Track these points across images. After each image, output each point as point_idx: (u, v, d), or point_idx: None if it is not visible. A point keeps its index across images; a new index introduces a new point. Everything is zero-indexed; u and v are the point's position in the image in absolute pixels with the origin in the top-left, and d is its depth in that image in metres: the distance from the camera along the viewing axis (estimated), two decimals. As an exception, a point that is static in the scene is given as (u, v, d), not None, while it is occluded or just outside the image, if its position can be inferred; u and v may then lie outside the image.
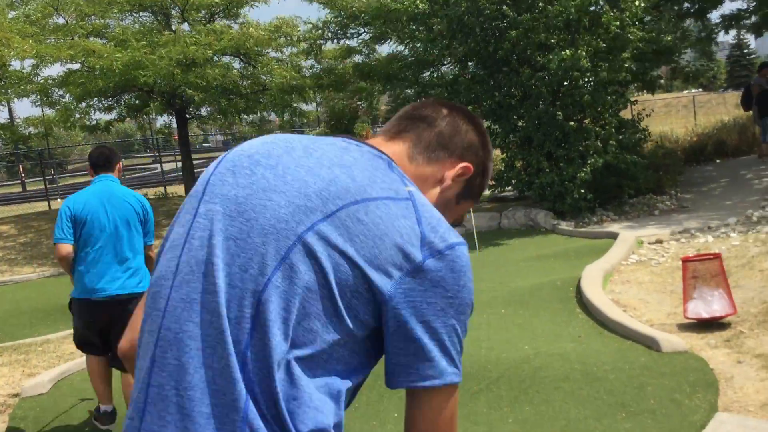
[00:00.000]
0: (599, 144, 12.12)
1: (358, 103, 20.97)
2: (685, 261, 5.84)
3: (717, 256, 5.75)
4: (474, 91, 13.44)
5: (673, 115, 23.88)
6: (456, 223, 1.54)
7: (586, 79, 12.07)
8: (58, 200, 23.71)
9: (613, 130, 12.41)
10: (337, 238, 1.21)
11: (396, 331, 1.23)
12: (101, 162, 4.84)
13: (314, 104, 23.84)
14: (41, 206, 23.40)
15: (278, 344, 1.17)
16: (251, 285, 1.19)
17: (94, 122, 18.30)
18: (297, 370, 1.18)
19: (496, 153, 16.03)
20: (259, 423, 1.15)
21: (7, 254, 14.73)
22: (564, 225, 11.86)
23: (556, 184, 12.11)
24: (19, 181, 42.33)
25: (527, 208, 13.23)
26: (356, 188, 1.26)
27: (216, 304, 1.19)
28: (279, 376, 1.17)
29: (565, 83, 12.27)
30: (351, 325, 1.22)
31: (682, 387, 4.50)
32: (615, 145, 12.13)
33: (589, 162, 11.88)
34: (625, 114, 14.05)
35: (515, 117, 13.06)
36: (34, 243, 15.47)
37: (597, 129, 12.40)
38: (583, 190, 11.85)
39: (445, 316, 1.24)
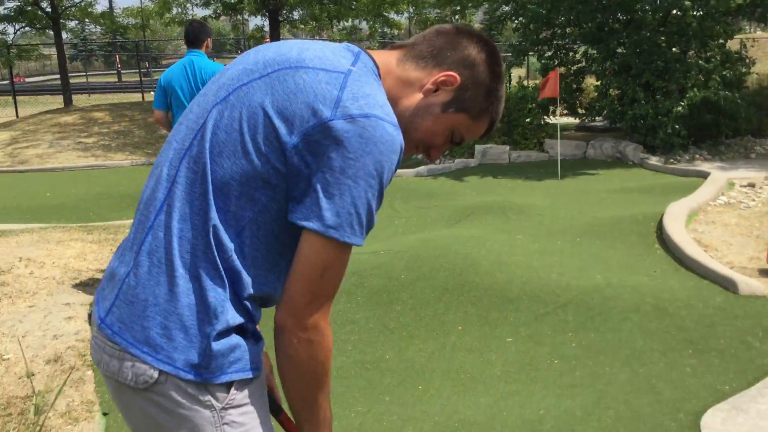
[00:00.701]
0: (701, 78, 11.53)
1: (452, 17, 20.42)
2: (778, 205, 5.59)
3: (813, 204, 5.48)
4: (576, 10, 12.88)
5: (786, 55, 22.37)
6: (437, 142, 1.58)
7: (697, 7, 11.39)
8: (151, 93, 24.35)
9: (718, 63, 11.76)
10: (260, 92, 1.41)
11: (297, 174, 1.36)
12: (190, 38, 5.63)
13: (406, 14, 23.39)
14: (135, 97, 24.15)
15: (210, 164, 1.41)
16: (202, 118, 1.46)
17: (189, 17, 18.53)
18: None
19: (591, 81, 15.49)
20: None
21: (101, 140, 15.36)
22: (653, 160, 11.47)
23: (650, 117, 11.65)
24: (115, 72, 43.61)
25: (616, 139, 12.83)
26: (296, 59, 1.44)
27: (191, 129, 1.48)
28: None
29: (674, 12, 11.62)
30: (259, 166, 1.37)
31: (755, 330, 4.40)
32: (717, 80, 11.51)
33: (687, 96, 11.35)
34: (733, 45, 13.23)
35: (615, 42, 12.51)
36: (126, 132, 16.05)
37: (701, 62, 11.77)
38: (677, 126, 11.37)
39: (342, 175, 1.33)
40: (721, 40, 12.06)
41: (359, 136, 1.33)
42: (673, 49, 11.57)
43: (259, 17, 20.36)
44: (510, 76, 16.53)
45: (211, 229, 1.38)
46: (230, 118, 1.41)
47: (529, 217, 7.86)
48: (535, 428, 3.47)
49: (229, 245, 1.39)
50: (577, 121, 16.21)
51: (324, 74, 1.40)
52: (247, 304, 1.43)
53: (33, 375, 4.10)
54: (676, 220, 6.90)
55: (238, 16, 19.78)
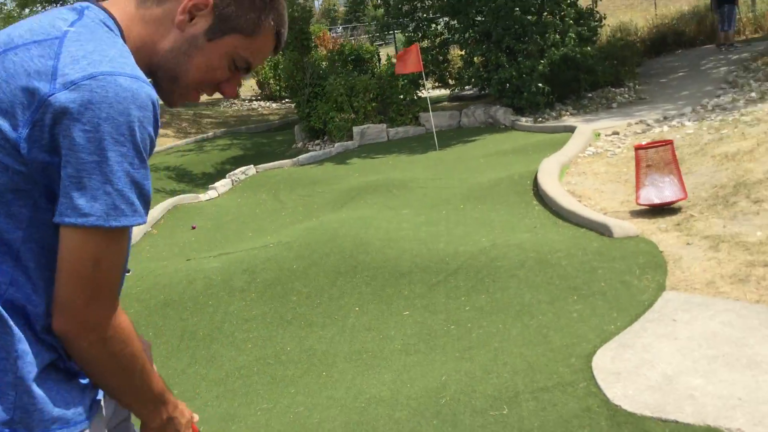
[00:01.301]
0: (557, 36, 12.00)
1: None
2: (638, 149, 5.91)
3: (669, 143, 5.83)
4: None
5: (635, 7, 23.63)
6: (219, 76, 1.39)
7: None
8: None
9: (571, 21, 12.27)
10: None
11: (45, 169, 1.17)
12: None
13: None
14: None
15: None
16: None
17: None
18: None
19: (456, 51, 15.83)
20: None
21: None
22: (523, 121, 11.87)
23: (514, 79, 12.03)
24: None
25: (487, 105, 13.19)
26: (4, 42, 1.22)
27: None
28: None
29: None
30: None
31: (632, 269, 4.65)
32: (573, 37, 12.03)
33: (546, 55, 11.79)
34: (584, 2, 13.84)
35: (474, 11, 12.81)
36: None
37: (556, 21, 12.25)
38: (540, 84, 11.81)
39: (85, 153, 1.14)
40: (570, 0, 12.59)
41: (89, 102, 1.13)
42: (529, 17, 11.98)
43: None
44: (379, 56, 16.67)
45: None
46: None
47: (412, 191, 7.98)
48: (439, 394, 3.53)
49: (3, 279, 1.18)
50: (449, 92, 16.55)
51: (36, 47, 1.18)
52: (46, 337, 1.23)
53: None
54: (549, 175, 7.18)
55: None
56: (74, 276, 1.18)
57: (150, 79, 1.30)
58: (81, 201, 1.14)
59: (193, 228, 8.46)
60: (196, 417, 1.50)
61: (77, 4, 1.29)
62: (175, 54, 1.33)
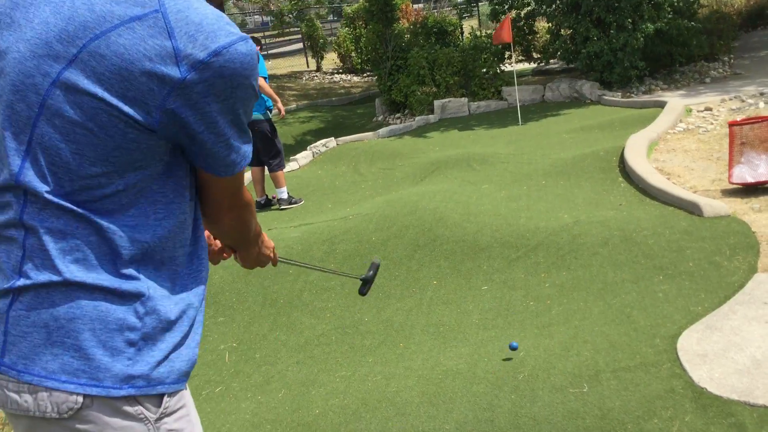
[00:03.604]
0: (652, 9, 11.55)
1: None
2: (732, 125, 5.65)
3: (765, 119, 5.55)
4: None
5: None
6: None
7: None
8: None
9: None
10: (85, 82, 1.15)
11: (187, 144, 1.26)
12: None
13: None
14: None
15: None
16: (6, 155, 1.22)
17: None
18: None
19: (543, 24, 15.45)
20: None
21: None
22: (610, 96, 11.53)
23: (605, 53, 11.67)
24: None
25: (572, 79, 12.86)
26: (95, 20, 1.16)
27: None
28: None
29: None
30: (137, 160, 1.22)
31: (722, 250, 4.47)
32: (668, 10, 11.54)
33: (640, 28, 11.37)
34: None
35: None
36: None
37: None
38: (634, 58, 11.41)
39: (224, 117, 1.24)
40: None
41: (221, 77, 1.19)
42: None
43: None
44: (462, 29, 16.44)
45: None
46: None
47: (493, 166, 7.88)
48: (517, 370, 3.51)
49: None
50: (533, 65, 16.22)
51: (140, 26, 1.15)
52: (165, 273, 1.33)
53: None
54: (637, 151, 6.96)
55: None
56: (227, 196, 1.42)
57: None
58: (231, 157, 1.31)
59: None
60: (272, 243, 1.85)
61: None
62: None
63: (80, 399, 1.20)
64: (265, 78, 7.76)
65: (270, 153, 7.95)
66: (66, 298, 1.20)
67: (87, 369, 1.21)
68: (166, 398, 1.29)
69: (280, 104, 7.87)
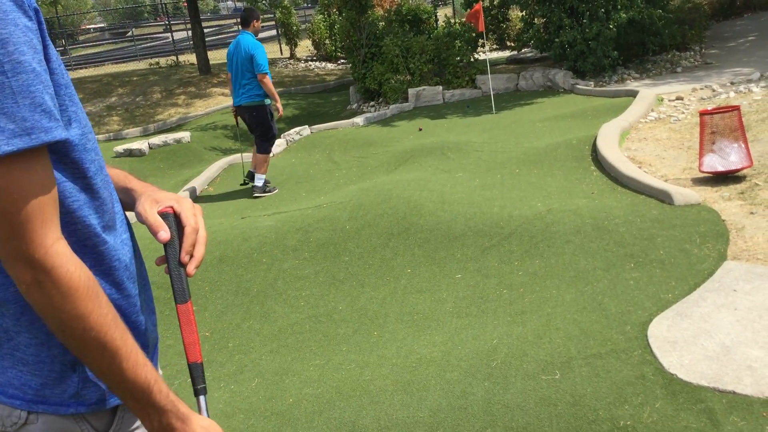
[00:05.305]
0: (624, -2, 11.61)
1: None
2: (703, 114, 5.71)
3: (735, 109, 5.61)
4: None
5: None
6: None
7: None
8: (71, 71, 23.48)
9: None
10: None
11: None
12: (241, 22, 8.13)
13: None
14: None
15: None
16: None
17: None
18: None
19: (516, 13, 15.48)
20: None
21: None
22: (583, 85, 11.60)
23: (578, 43, 11.72)
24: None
25: (546, 68, 12.92)
26: None
27: None
28: None
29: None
30: None
31: (693, 238, 4.53)
32: (640, -1, 11.62)
33: (613, 17, 11.44)
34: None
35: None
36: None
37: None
38: (607, 48, 11.48)
39: None
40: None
41: None
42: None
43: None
44: (436, 17, 16.41)
45: None
46: None
47: (467, 155, 7.90)
48: (490, 357, 3.53)
49: None
50: (507, 54, 16.25)
51: None
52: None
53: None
54: (609, 140, 7.02)
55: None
56: None
57: None
58: None
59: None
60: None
61: None
62: None
63: (24, 414, 1.18)
64: (267, 74, 7.89)
65: (267, 135, 8.11)
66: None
67: (33, 384, 1.18)
68: (120, 411, 1.27)
69: (279, 104, 8.03)
